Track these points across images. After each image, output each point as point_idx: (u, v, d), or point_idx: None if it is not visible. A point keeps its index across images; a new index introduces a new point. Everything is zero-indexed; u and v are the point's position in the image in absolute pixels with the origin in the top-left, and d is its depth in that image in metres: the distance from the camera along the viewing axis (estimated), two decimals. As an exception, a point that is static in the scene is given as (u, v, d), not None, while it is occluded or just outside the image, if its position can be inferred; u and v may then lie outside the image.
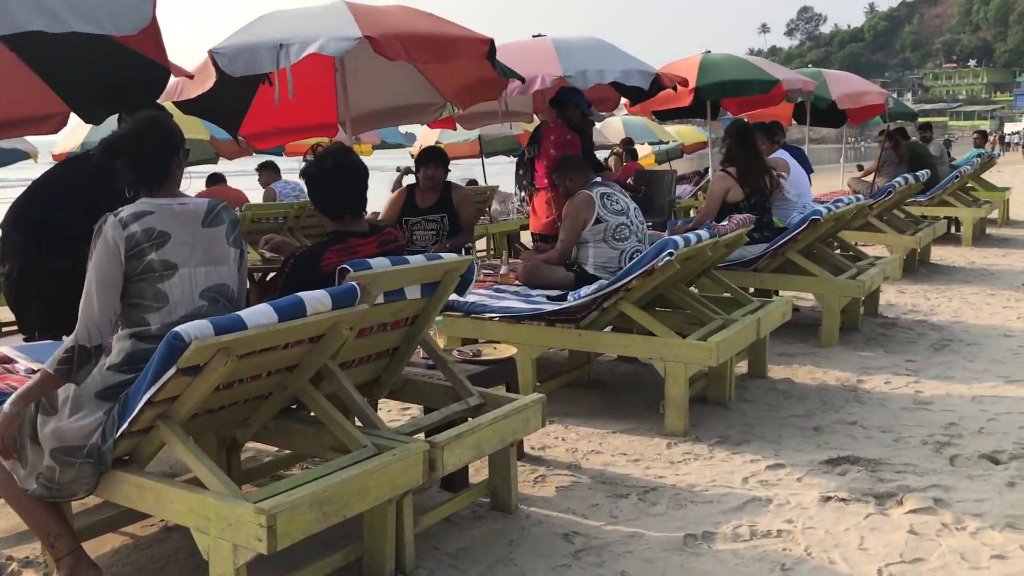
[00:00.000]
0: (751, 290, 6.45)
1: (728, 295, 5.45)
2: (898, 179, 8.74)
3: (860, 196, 8.46)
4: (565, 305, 4.60)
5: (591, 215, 5.03)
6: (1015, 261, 9.88)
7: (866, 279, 6.07)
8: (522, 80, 5.78)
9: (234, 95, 5.52)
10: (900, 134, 11.70)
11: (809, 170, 9.32)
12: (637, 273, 4.34)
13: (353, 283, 2.76)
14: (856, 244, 9.74)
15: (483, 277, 5.51)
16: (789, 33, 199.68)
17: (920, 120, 13.35)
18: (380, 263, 2.91)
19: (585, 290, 4.62)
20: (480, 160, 15.20)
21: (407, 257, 3.11)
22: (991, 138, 61.85)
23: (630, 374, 5.57)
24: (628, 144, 15.32)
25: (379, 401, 3.96)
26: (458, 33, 5.10)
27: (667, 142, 17.04)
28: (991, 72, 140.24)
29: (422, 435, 3.14)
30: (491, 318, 4.75)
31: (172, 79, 4.12)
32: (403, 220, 6.09)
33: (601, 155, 19.54)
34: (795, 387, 5.18)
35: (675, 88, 7.19)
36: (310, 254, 3.15)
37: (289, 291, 2.65)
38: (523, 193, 7.55)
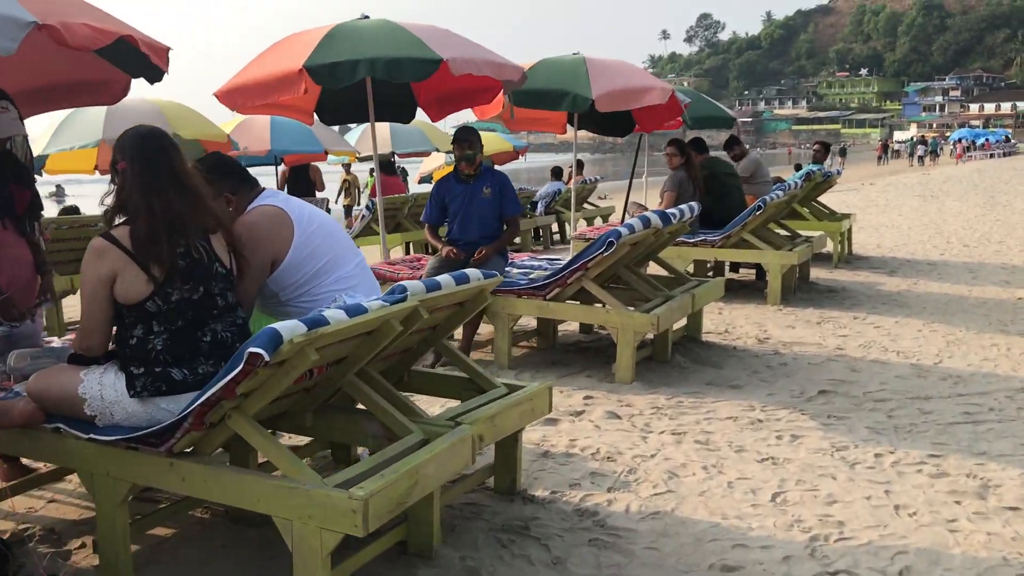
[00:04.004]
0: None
1: None
2: (633, 221, 5.51)
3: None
4: None
5: None
6: (828, 334, 6.71)
7: (380, 485, 2.65)
8: None
9: None
10: (694, 146, 8.58)
11: (513, 209, 6.06)
12: None
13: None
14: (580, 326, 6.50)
15: None
16: (688, 40, 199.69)
17: (732, 134, 10.29)
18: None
19: None
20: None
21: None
22: (878, 145, 61.14)
23: None
24: (384, 157, 12.10)
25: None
26: None
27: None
28: (881, 81, 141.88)
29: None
30: None
31: None
32: None
33: (363, 169, 15.93)
34: None
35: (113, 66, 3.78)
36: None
37: None
38: None
